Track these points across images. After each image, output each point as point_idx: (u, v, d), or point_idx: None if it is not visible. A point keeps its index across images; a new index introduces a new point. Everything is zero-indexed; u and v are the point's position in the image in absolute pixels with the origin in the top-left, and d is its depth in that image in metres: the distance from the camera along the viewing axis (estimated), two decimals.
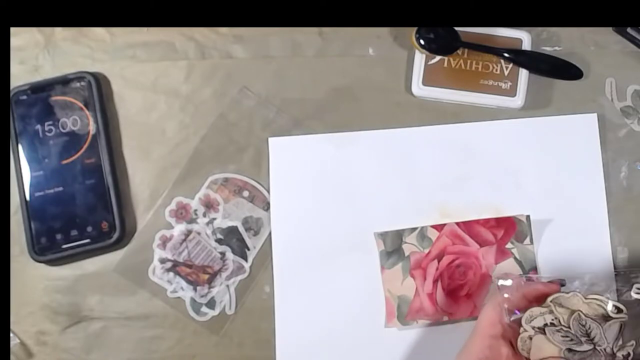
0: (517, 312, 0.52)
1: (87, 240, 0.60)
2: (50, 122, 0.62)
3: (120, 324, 0.61)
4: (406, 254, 0.59)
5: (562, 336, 0.50)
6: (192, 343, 0.60)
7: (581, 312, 0.50)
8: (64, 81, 0.62)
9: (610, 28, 0.63)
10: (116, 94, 0.64)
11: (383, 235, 0.59)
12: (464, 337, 0.58)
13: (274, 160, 0.62)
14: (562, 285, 0.53)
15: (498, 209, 0.60)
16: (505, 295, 0.52)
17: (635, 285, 0.53)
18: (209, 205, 0.61)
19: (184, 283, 0.61)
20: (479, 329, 0.52)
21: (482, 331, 0.52)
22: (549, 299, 0.51)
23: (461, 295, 0.59)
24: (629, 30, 0.62)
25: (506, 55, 0.61)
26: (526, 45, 0.62)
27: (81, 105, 0.62)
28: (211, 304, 0.60)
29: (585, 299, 0.51)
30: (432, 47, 0.61)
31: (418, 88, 0.62)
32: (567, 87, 0.62)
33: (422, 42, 0.60)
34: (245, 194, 0.62)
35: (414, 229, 0.59)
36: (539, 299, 0.52)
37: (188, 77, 0.63)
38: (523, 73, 0.61)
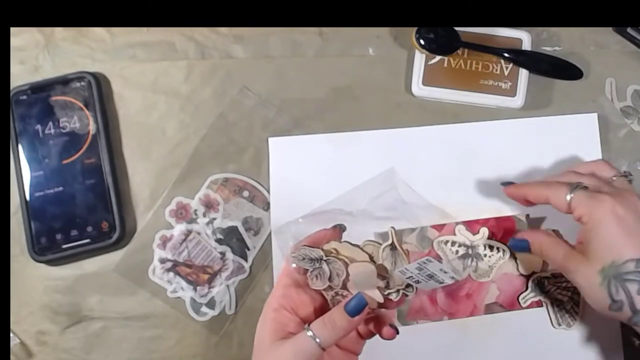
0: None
1: (87, 240, 0.60)
2: (50, 122, 0.62)
3: (120, 324, 0.61)
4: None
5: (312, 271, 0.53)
6: (192, 343, 0.60)
7: (335, 251, 0.53)
8: (64, 81, 0.62)
9: (610, 28, 0.63)
10: (116, 94, 0.64)
11: (383, 236, 0.59)
12: (464, 337, 0.59)
13: (274, 160, 0.62)
14: (343, 230, 0.56)
15: (498, 209, 0.60)
16: (291, 244, 0.54)
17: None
18: (209, 205, 0.61)
19: (184, 283, 0.61)
20: (277, 281, 0.54)
21: (278, 282, 0.54)
22: (327, 245, 0.53)
23: (461, 295, 0.59)
24: (629, 30, 0.62)
25: (506, 55, 0.61)
26: (526, 45, 0.62)
27: (81, 105, 0.62)
28: (211, 304, 0.60)
29: (352, 245, 0.53)
30: (432, 47, 0.61)
31: (418, 88, 0.62)
32: (567, 87, 0.62)
33: (422, 42, 0.60)
34: (245, 194, 0.62)
35: (413, 229, 0.59)
36: (321, 244, 0.53)
37: (188, 77, 0.63)
38: (523, 73, 0.61)
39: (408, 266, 0.51)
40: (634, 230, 0.47)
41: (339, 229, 0.56)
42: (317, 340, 0.48)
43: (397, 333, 0.52)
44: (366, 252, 0.53)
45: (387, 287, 0.53)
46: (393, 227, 0.55)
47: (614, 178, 0.53)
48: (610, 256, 0.47)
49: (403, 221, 0.59)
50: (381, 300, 0.52)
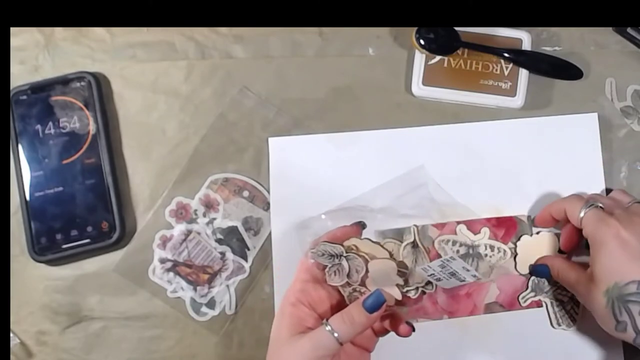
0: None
1: (87, 240, 0.60)
2: (50, 122, 0.62)
3: (120, 324, 0.61)
4: None
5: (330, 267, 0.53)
6: (192, 343, 0.60)
7: (355, 247, 0.53)
8: (64, 81, 0.62)
9: (610, 28, 0.63)
10: (116, 94, 0.64)
11: (384, 234, 0.59)
12: (464, 336, 0.59)
13: (274, 160, 0.62)
14: (363, 227, 0.56)
15: (498, 209, 0.60)
16: (310, 239, 0.55)
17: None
18: (209, 205, 0.61)
19: (184, 283, 0.61)
20: (295, 276, 0.54)
21: (296, 277, 0.54)
22: (347, 242, 0.54)
23: (461, 294, 0.59)
24: (629, 30, 0.62)
25: (506, 55, 0.61)
26: (526, 45, 0.62)
27: (81, 105, 0.62)
28: (211, 304, 0.60)
29: (374, 243, 0.54)
30: (432, 47, 0.61)
31: (418, 88, 0.62)
32: (567, 87, 0.62)
33: (422, 42, 0.60)
34: (245, 194, 0.62)
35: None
36: (341, 241, 0.54)
37: (188, 77, 0.63)
38: (523, 73, 0.61)
39: (431, 264, 0.51)
40: (637, 253, 0.49)
41: (359, 226, 0.56)
42: (336, 335, 0.48)
43: (414, 330, 0.53)
44: (386, 250, 0.54)
45: (406, 284, 0.53)
46: (416, 225, 0.56)
47: (629, 204, 0.54)
48: (613, 278, 0.49)
49: (427, 219, 0.59)
50: (399, 297, 0.53)
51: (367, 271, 0.53)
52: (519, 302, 0.58)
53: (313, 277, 0.54)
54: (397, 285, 0.53)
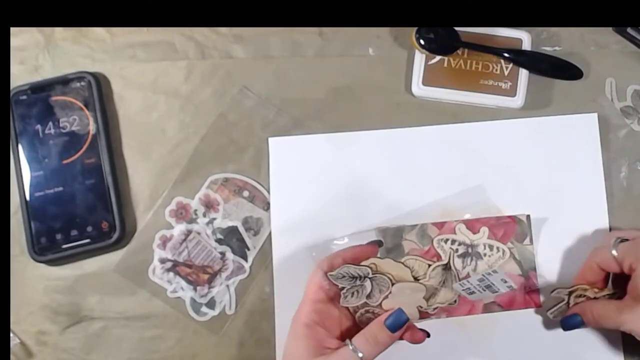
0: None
1: (87, 240, 0.60)
2: (50, 122, 0.62)
3: (120, 324, 0.61)
4: (406, 250, 0.59)
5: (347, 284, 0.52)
6: (192, 343, 0.60)
7: (375, 266, 0.52)
8: (64, 81, 0.62)
9: (610, 28, 0.63)
10: (116, 94, 0.64)
11: (383, 232, 0.59)
12: (462, 335, 0.59)
13: (274, 160, 0.62)
14: (380, 246, 0.56)
15: (498, 209, 0.60)
16: (324, 260, 0.53)
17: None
18: (209, 205, 0.61)
19: (184, 283, 0.61)
20: (305, 296, 0.53)
21: (308, 297, 0.53)
22: (365, 262, 0.52)
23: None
24: (629, 30, 0.62)
25: (506, 55, 0.61)
26: (526, 45, 0.62)
27: (81, 105, 0.62)
28: (211, 304, 0.61)
29: (395, 262, 0.53)
30: (432, 47, 0.61)
31: (418, 88, 0.62)
32: (567, 87, 0.62)
33: (422, 42, 0.60)
34: (245, 194, 0.62)
35: (414, 226, 0.59)
36: (358, 261, 0.53)
37: (188, 77, 0.63)
38: (523, 73, 0.61)
39: (470, 279, 0.51)
40: None
41: (377, 245, 0.56)
42: (360, 355, 0.49)
43: (428, 336, 0.53)
44: (407, 267, 0.53)
45: (428, 303, 0.53)
46: (452, 248, 0.56)
47: None
48: None
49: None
50: (417, 317, 0.53)
51: (390, 292, 0.52)
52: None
53: (327, 297, 0.53)
54: (419, 307, 0.53)
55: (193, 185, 0.62)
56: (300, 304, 0.53)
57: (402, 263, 0.53)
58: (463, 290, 0.52)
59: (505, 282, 0.51)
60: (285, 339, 0.52)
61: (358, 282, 0.52)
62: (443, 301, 0.53)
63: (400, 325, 0.50)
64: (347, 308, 0.53)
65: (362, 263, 0.52)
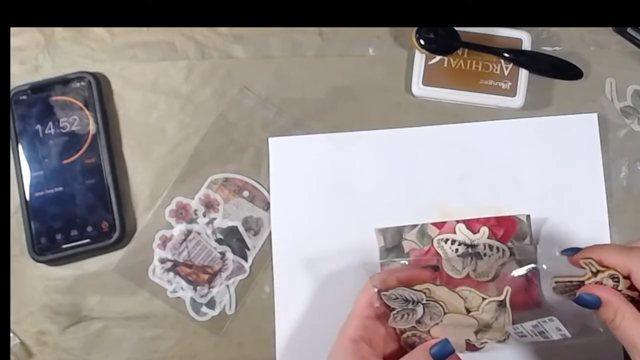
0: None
1: (87, 240, 0.60)
2: (50, 122, 0.62)
3: (120, 324, 0.61)
4: (406, 250, 0.59)
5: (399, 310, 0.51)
6: (192, 343, 0.60)
7: (428, 291, 0.50)
8: (64, 81, 0.62)
9: (610, 28, 0.63)
10: (116, 94, 0.64)
11: (383, 232, 0.59)
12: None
13: (274, 160, 0.62)
14: (436, 270, 0.54)
15: (498, 209, 0.60)
16: (377, 277, 0.52)
17: None
18: (209, 205, 0.61)
19: (184, 283, 0.61)
20: (354, 311, 0.52)
21: (358, 313, 0.52)
22: (419, 286, 0.51)
23: None
24: (629, 30, 0.62)
25: (506, 55, 0.61)
26: (526, 45, 0.62)
27: (81, 105, 0.62)
28: (211, 304, 0.61)
29: (450, 290, 0.51)
30: (432, 47, 0.61)
31: (418, 88, 0.62)
32: (567, 87, 0.62)
33: (422, 42, 0.60)
34: (245, 194, 0.62)
35: (414, 226, 0.59)
36: (411, 283, 0.52)
37: (188, 77, 0.63)
38: (523, 73, 0.61)
39: (524, 324, 0.50)
40: None
41: (433, 270, 0.54)
42: None
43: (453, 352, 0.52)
44: (461, 297, 0.52)
45: (477, 337, 0.52)
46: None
47: None
48: None
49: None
50: (465, 348, 0.52)
51: (441, 321, 0.51)
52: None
53: (375, 314, 0.52)
54: (467, 339, 0.52)
55: (193, 185, 0.62)
56: (348, 318, 0.52)
57: (457, 293, 0.51)
58: (515, 333, 0.51)
59: (560, 330, 0.49)
60: (330, 352, 0.51)
61: (410, 306, 0.51)
62: (492, 338, 0.52)
63: (445, 356, 0.49)
64: (394, 327, 0.52)
65: (416, 287, 0.51)
